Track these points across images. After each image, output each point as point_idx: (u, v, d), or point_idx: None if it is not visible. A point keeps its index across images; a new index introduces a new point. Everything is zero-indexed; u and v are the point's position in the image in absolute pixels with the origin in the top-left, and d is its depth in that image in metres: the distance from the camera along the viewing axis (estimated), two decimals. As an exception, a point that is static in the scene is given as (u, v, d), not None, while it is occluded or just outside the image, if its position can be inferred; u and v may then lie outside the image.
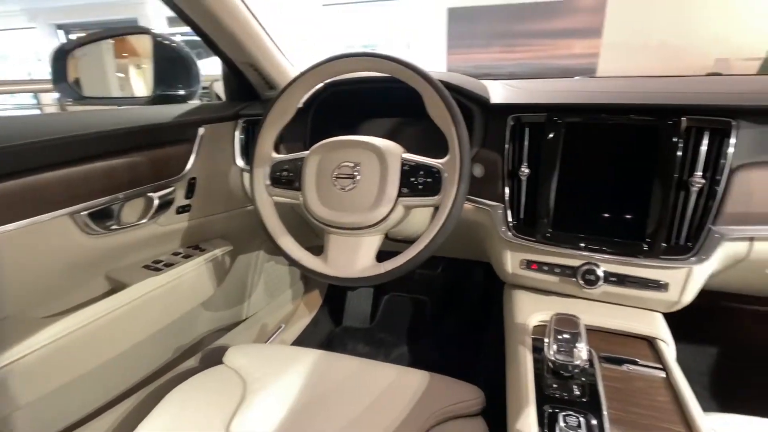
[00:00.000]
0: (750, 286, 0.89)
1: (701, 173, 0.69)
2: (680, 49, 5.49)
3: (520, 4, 5.95)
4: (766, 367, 1.20)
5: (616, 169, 0.75)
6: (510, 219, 0.82)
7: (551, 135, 0.76)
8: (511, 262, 0.85)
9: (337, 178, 0.73)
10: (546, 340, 0.64)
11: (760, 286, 0.88)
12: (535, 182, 0.79)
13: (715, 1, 5.36)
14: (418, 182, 0.70)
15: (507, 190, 0.82)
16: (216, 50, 1.00)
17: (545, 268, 0.82)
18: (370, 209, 0.71)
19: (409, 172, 0.71)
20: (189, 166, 0.98)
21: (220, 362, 0.87)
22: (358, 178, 0.72)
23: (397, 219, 0.74)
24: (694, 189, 0.70)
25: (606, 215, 0.76)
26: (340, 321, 1.62)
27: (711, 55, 5.32)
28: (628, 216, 0.74)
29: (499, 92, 0.87)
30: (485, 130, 0.85)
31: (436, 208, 0.70)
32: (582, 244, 0.76)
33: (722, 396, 1.17)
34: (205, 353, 1.18)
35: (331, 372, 0.84)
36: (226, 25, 0.90)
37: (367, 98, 1.02)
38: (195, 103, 1.11)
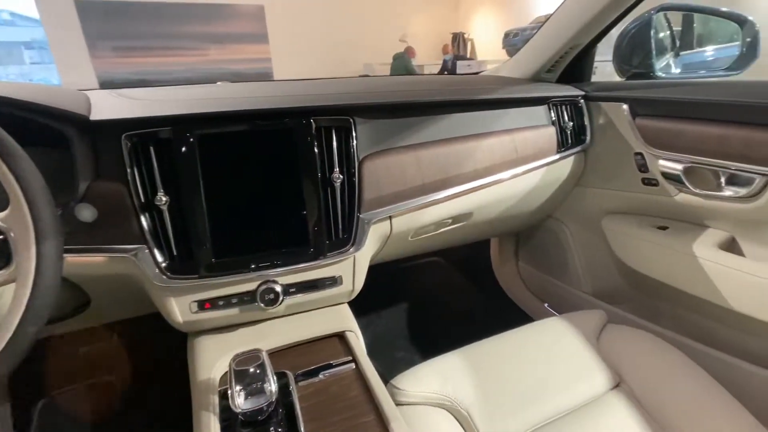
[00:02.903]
0: (406, 251, 1.06)
1: (338, 169, 0.73)
2: (339, 55, 6.58)
3: (170, 3, 5.43)
4: (438, 305, 1.54)
5: (269, 177, 0.70)
6: (160, 260, 0.65)
7: (183, 151, 0.64)
8: (178, 308, 0.70)
9: None
10: (230, 391, 0.54)
11: (413, 249, 1.06)
12: (180, 209, 0.66)
13: (358, 19, 6.65)
14: None
15: (146, 227, 0.64)
16: None
17: (221, 302, 0.71)
18: None
19: None
20: None
21: None
22: None
23: None
24: (337, 184, 0.73)
25: (272, 227, 0.71)
26: None
27: (361, 60, 6.68)
28: (291, 223, 0.71)
29: (106, 106, 0.67)
30: (94, 157, 0.64)
31: None
32: (253, 265, 0.70)
33: (424, 342, 1.35)
34: None
35: None
36: None
37: None
38: None
